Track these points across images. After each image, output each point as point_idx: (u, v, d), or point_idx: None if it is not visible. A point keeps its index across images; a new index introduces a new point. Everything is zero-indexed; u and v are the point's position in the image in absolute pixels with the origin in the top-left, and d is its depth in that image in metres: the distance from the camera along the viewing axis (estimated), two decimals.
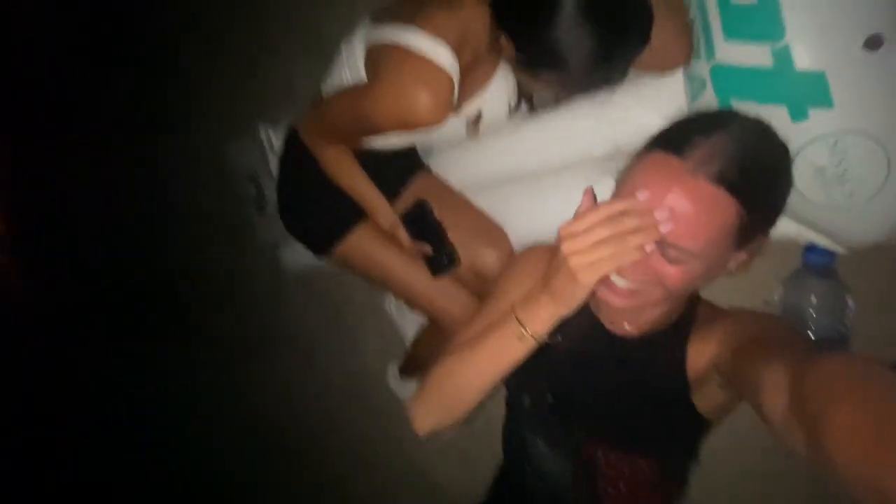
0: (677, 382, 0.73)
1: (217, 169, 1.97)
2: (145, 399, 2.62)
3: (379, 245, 1.14)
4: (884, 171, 0.61)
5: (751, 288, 0.88)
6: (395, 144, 1.08)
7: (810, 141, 0.63)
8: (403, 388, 1.61)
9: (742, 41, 0.64)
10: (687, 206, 0.58)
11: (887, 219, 0.65)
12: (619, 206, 0.58)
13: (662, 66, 0.83)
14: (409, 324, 1.58)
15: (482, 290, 1.12)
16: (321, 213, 1.18)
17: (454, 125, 1.01)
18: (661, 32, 0.76)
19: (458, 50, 0.83)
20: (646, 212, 0.58)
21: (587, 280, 0.58)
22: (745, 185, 0.58)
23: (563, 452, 0.80)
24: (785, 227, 0.79)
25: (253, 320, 2.20)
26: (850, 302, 0.78)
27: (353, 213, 1.14)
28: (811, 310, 0.81)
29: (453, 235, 1.08)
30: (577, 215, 0.59)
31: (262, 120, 1.68)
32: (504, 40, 0.78)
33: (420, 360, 1.49)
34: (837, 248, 0.76)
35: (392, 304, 1.60)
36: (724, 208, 0.58)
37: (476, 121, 1.09)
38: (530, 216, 1.10)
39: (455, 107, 1.01)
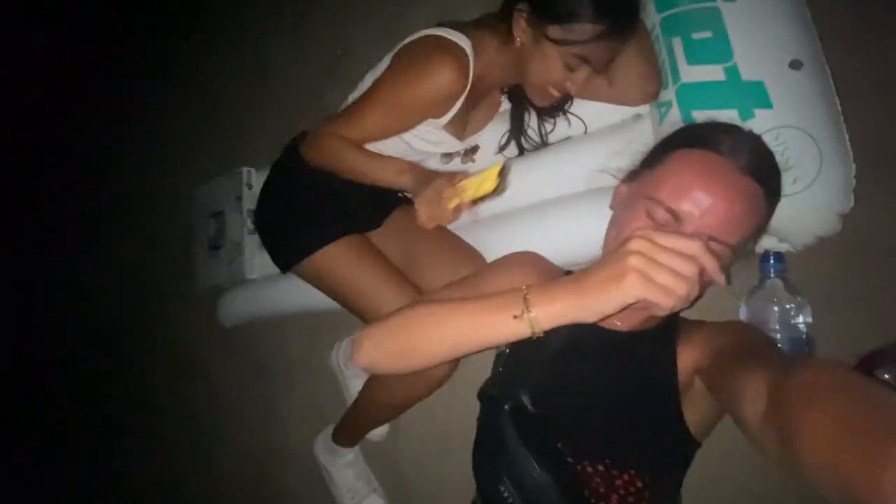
0: (668, 385, 0.73)
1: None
2: None
3: (363, 257, 1.12)
4: (818, 158, 0.76)
5: (714, 305, 0.94)
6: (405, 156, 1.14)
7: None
8: (336, 460, 1.38)
9: (700, 64, 0.84)
10: (733, 202, 0.62)
11: (829, 206, 0.78)
12: (697, 248, 0.53)
13: (637, 101, 1.02)
14: (356, 379, 1.44)
15: None
16: (309, 220, 1.18)
17: (453, 145, 1.13)
18: (634, 70, 0.97)
19: (474, 52, 0.96)
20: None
21: (633, 288, 0.52)
22: (772, 182, 0.67)
23: (548, 467, 0.72)
24: None
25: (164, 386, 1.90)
26: (806, 303, 0.85)
27: (342, 223, 1.14)
28: (774, 316, 0.87)
29: (433, 259, 1.10)
30: (661, 231, 0.55)
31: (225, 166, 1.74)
32: (517, 15, 0.92)
33: (362, 421, 1.32)
34: (787, 247, 0.86)
35: (340, 357, 1.47)
36: (761, 205, 0.65)
37: (473, 151, 1.22)
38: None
39: (461, 133, 1.14)
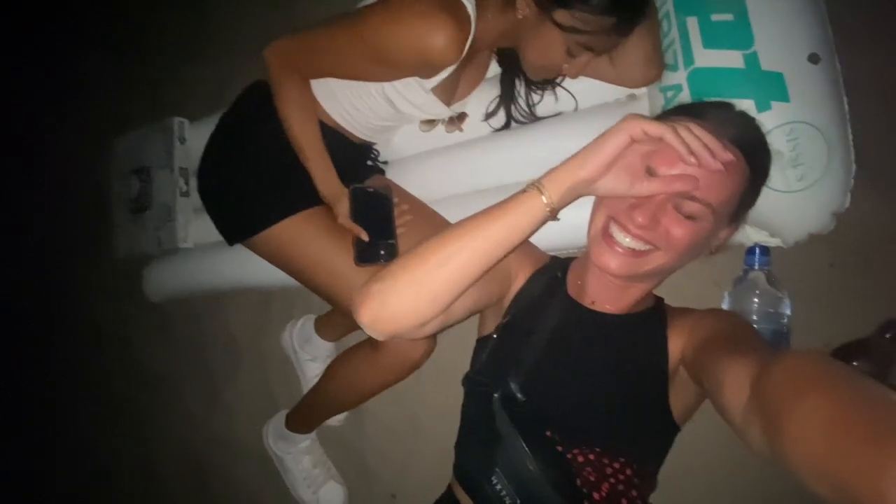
0: (659, 370, 0.73)
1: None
2: None
3: (332, 231, 0.99)
4: (825, 157, 0.77)
5: (698, 295, 0.95)
6: (366, 115, 1.01)
7: (772, 129, 0.77)
8: (290, 447, 1.28)
9: (718, 49, 0.80)
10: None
11: (827, 204, 0.79)
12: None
13: (636, 84, 0.97)
14: (313, 362, 1.32)
15: None
16: (268, 185, 1.02)
17: (440, 111, 1.02)
18: (638, 51, 0.91)
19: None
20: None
21: (631, 123, 0.59)
22: (754, 151, 0.68)
23: (539, 456, 0.70)
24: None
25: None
26: (787, 297, 0.88)
27: (308, 191, 1.00)
28: (755, 307, 0.90)
29: (412, 236, 1.00)
30: None
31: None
32: None
33: (322, 408, 1.22)
34: (777, 243, 0.88)
35: (294, 338, 1.34)
36: (740, 169, 0.66)
37: (460, 119, 1.11)
38: None
39: (449, 98, 1.02)
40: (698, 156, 0.59)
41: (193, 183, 1.43)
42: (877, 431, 0.37)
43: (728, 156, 0.61)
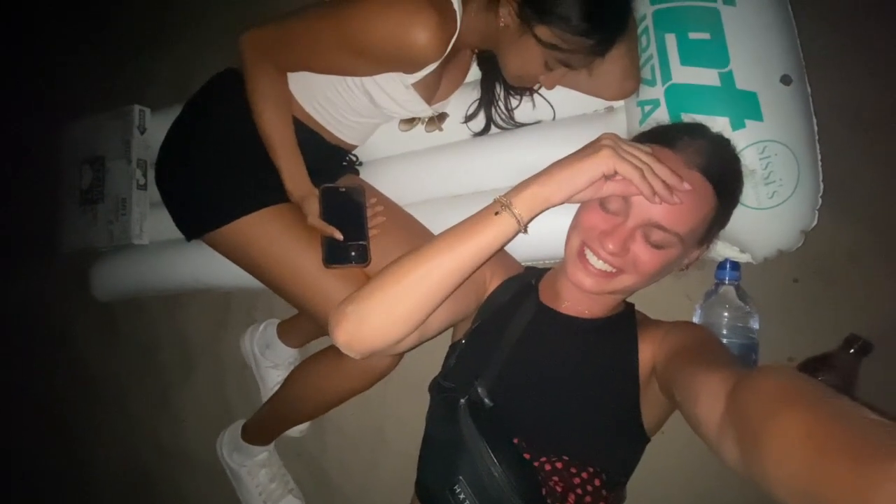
0: (629, 377, 0.74)
1: None
2: None
3: (301, 230, 0.95)
4: (795, 175, 0.79)
5: (667, 307, 0.96)
6: (342, 109, 0.98)
7: (746, 147, 0.79)
8: (246, 460, 1.21)
9: (695, 66, 0.82)
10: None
11: (796, 221, 0.81)
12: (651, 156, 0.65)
13: (612, 96, 0.98)
14: (274, 370, 1.26)
15: None
16: (236, 177, 0.97)
17: (421, 109, 0.99)
18: (617, 65, 0.92)
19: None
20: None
21: (606, 158, 0.62)
22: (723, 181, 0.70)
23: (506, 464, 0.68)
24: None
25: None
26: (755, 312, 0.90)
27: (278, 187, 0.95)
28: (724, 321, 0.91)
29: (387, 239, 0.97)
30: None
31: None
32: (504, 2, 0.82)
33: (282, 417, 1.16)
34: (747, 258, 0.90)
35: (254, 343, 1.28)
36: (708, 199, 0.68)
37: (440, 118, 1.09)
38: None
39: (431, 97, 1.00)
40: (661, 197, 0.63)
41: (152, 176, 1.35)
42: (859, 450, 0.37)
43: (685, 187, 0.64)
